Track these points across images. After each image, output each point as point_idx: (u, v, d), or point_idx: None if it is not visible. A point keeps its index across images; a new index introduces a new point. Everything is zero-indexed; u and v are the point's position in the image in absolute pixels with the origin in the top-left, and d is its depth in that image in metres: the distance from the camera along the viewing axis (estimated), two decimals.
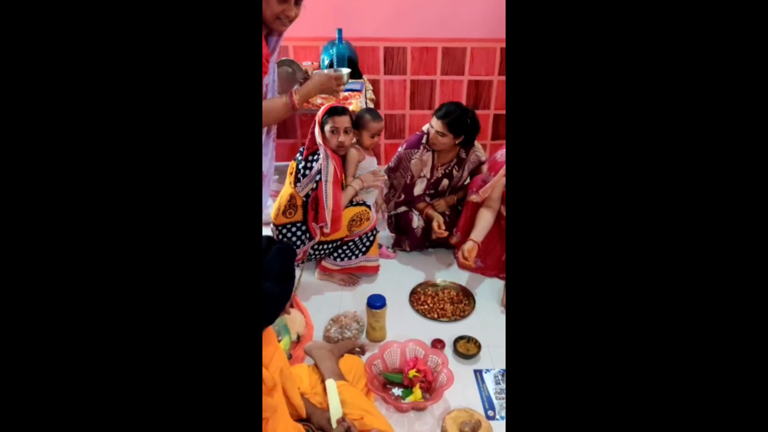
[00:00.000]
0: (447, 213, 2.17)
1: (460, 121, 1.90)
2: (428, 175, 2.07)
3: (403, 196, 2.12)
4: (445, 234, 1.99)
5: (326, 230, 1.79)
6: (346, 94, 2.23)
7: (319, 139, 1.75)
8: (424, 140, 2.03)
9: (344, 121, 1.76)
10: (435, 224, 2.00)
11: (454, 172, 2.11)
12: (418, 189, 2.10)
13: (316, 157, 1.78)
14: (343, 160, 1.88)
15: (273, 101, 1.41)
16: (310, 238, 1.85)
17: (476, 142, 2.08)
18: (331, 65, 2.43)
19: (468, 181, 2.15)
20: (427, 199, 2.16)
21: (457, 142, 1.96)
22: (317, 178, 1.77)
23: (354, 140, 1.90)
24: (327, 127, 1.76)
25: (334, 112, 1.77)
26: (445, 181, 2.13)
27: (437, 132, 1.91)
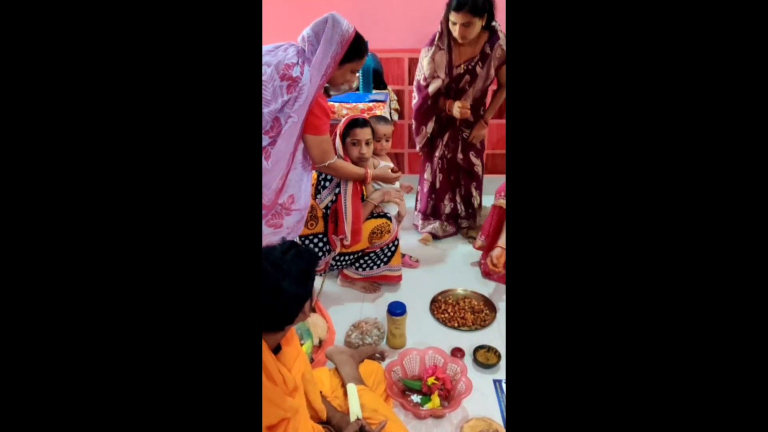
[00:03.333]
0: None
1: (478, 2, 1.83)
2: (443, 75, 2.02)
3: (420, 101, 2.11)
4: (468, 114, 2.05)
5: (346, 242, 1.82)
6: (371, 104, 2.27)
7: (340, 152, 1.78)
8: (437, 39, 1.97)
9: (366, 134, 1.78)
10: (456, 108, 2.01)
11: (478, 69, 2.02)
12: (432, 88, 2.05)
13: None
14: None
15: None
16: (331, 250, 1.89)
17: (500, 33, 1.99)
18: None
19: (491, 80, 2.07)
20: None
21: (483, 24, 1.91)
22: (336, 191, 1.80)
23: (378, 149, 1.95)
24: (348, 140, 1.78)
25: (356, 124, 1.78)
26: (467, 78, 2.04)
27: (462, 24, 1.86)
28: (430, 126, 2.20)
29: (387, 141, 2.05)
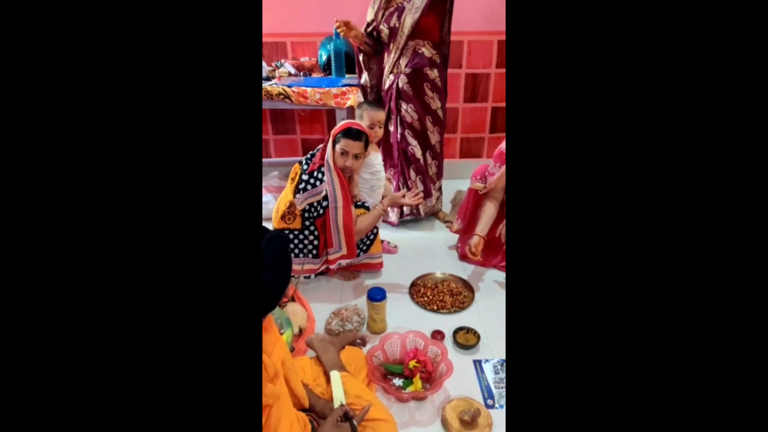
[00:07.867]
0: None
1: None
2: (375, 9, 2.13)
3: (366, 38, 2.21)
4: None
5: (341, 253, 1.82)
6: (344, 89, 2.23)
7: (330, 161, 1.73)
8: None
9: (356, 147, 1.72)
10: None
11: (405, 4, 2.07)
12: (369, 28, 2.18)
13: (320, 175, 1.75)
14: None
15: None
16: (306, 250, 1.88)
17: None
18: (328, 62, 2.45)
19: (420, 12, 2.04)
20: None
21: None
22: (324, 204, 1.76)
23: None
24: (338, 146, 1.72)
25: (348, 134, 1.70)
26: (396, 14, 2.09)
27: None
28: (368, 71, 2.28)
29: (380, 128, 2.02)
